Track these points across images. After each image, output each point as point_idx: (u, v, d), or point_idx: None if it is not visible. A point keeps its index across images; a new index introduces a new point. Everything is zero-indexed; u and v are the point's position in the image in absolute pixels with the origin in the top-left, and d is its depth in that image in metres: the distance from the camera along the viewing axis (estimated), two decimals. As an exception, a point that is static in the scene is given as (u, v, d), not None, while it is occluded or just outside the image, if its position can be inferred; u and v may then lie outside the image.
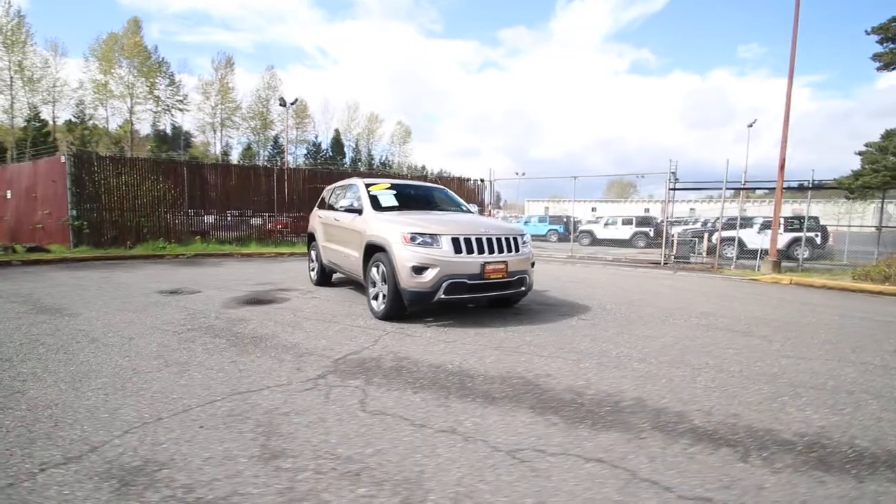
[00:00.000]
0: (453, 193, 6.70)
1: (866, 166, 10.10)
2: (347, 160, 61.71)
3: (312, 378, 3.08)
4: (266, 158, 50.60)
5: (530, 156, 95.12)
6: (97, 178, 11.59)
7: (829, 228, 16.83)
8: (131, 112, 43.87)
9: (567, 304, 5.97)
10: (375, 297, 4.93)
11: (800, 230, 14.90)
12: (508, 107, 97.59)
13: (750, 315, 5.56)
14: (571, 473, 1.98)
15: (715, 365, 3.52)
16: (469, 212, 6.20)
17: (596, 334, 4.38)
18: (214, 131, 49.31)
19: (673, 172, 13.58)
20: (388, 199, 5.71)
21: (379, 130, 65.66)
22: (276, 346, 3.80)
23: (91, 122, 39.74)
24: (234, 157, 49.64)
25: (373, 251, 5.00)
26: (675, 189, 13.91)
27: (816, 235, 16.00)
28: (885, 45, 9.37)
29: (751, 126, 33.38)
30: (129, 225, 12.17)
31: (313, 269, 7.32)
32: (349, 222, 5.68)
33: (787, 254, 14.86)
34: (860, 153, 11.04)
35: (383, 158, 65.17)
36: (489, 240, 4.64)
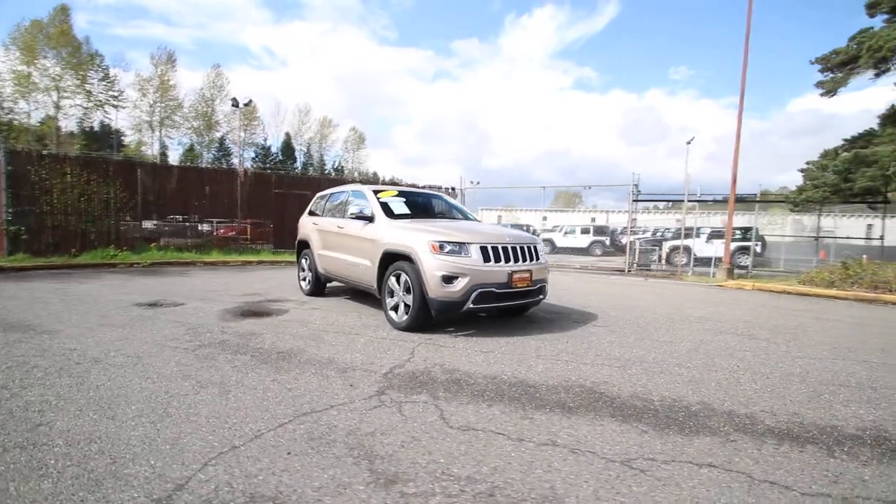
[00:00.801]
0: (454, 200, 6.66)
1: (808, 182, 11.22)
2: (299, 165, 59.81)
3: (373, 395, 2.92)
4: (210, 161, 47.82)
5: (483, 165, 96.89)
6: (38, 178, 10.39)
7: (766, 238, 18.43)
8: (57, 107, 39.85)
9: (571, 311, 6.10)
10: (394, 308, 4.77)
11: (743, 240, 16.27)
12: (461, 117, 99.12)
13: (740, 319, 5.97)
14: (695, 480, 2.01)
15: (745, 367, 3.73)
16: (475, 219, 6.20)
17: (620, 341, 4.51)
18: (152, 130, 45.89)
19: (636, 185, 14.40)
20: (399, 206, 5.58)
21: (332, 135, 64.21)
22: (312, 362, 3.57)
23: (9, 116, 35.55)
24: (174, 159, 46.48)
25: (391, 260, 4.84)
26: (637, 200, 14.74)
27: (756, 244, 17.57)
28: (825, 73, 10.54)
29: (689, 143, 36.06)
30: (73, 230, 11.00)
31: (305, 279, 6.98)
32: (357, 230, 5.48)
33: (732, 261, 16.14)
34: (802, 171, 12.29)
35: (336, 164, 63.81)
36: (514, 248, 4.65)
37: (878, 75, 10.41)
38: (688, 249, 17.78)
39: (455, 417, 2.60)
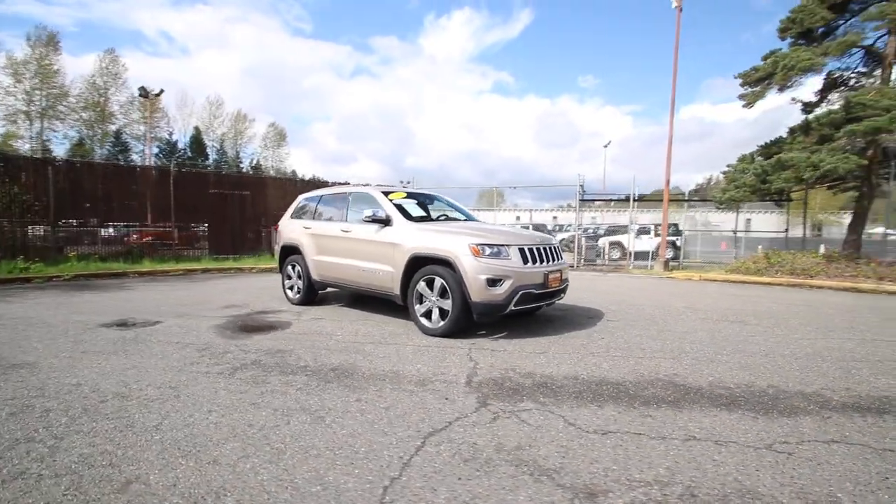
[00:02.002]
0: (452, 200, 6.58)
1: (730, 184, 12.74)
2: (211, 162, 55.03)
3: (478, 406, 2.78)
4: (106, 157, 42.15)
5: (406, 164, 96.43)
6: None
7: (685, 233, 20.55)
8: None
9: (572, 307, 6.32)
10: (425, 314, 4.60)
11: (669, 235, 18.04)
12: (383, 115, 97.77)
13: (717, 307, 6.61)
14: (836, 456, 2.19)
15: (770, 351, 4.14)
16: (476, 220, 6.17)
17: (644, 334, 4.76)
18: (31, 121, 39.30)
19: (581, 185, 15.31)
20: (413, 208, 5.37)
21: (249, 131, 60.00)
22: (379, 377, 3.31)
23: None
24: (60, 152, 40.28)
25: (419, 264, 4.66)
26: (583, 200, 15.68)
27: (677, 239, 19.58)
28: (745, 87, 12.05)
29: (606, 146, 39.31)
30: (-37, 240, 9.11)
31: (293, 287, 6.45)
32: (370, 234, 5.18)
33: (651, 255, 17.79)
34: (724, 173, 13.91)
35: (254, 161, 59.70)
36: (543, 249, 4.71)
37: (781, 90, 12.14)
38: (621, 245, 19.39)
39: (581, 422, 2.57)
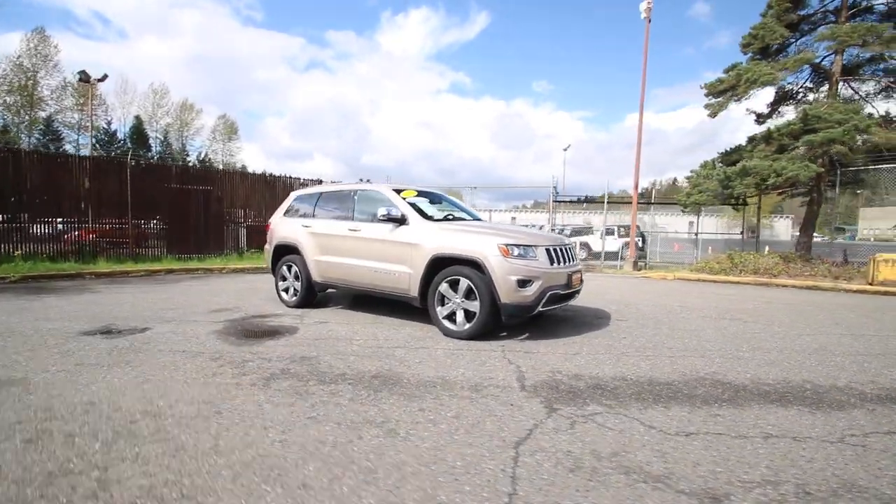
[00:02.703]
0: (456, 200, 6.47)
1: (694, 188, 13.45)
2: (154, 154, 51.50)
3: (548, 412, 2.71)
4: (35, 146, 38.32)
5: (363, 162, 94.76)
6: None
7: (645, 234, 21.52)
8: None
9: (575, 307, 6.39)
10: (449, 317, 4.47)
11: (627, 237, 18.83)
12: (339, 111, 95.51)
13: (709, 305, 6.92)
14: (910, 449, 2.31)
15: (784, 347, 4.36)
16: (481, 219, 6.10)
17: (660, 333, 4.88)
18: (-59, 104, 35.02)
19: (554, 187, 15.66)
20: (428, 207, 5.23)
21: (196, 122, 56.75)
22: (427, 384, 3.16)
23: None
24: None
25: (442, 265, 4.52)
26: (557, 201, 16.04)
27: (639, 240, 20.48)
28: (709, 98, 12.76)
29: (566, 150, 40.45)
30: None
31: (288, 289, 6.09)
32: (384, 234, 4.97)
33: (619, 255, 18.52)
34: (688, 178, 14.69)
35: (202, 155, 56.45)
36: (563, 249, 4.72)
37: (739, 100, 12.98)
38: (588, 246, 20.03)
39: (658, 424, 2.56)
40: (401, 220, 4.88)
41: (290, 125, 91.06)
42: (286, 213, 6.36)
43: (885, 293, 7.96)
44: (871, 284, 8.43)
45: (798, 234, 14.10)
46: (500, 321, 4.35)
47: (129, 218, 11.40)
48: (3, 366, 3.41)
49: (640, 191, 15.69)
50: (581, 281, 4.83)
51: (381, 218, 4.88)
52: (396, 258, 4.86)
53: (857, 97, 12.48)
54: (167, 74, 76.53)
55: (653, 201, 15.74)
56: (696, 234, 14.81)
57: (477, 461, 2.12)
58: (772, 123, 11.67)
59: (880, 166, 11.16)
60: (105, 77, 23.08)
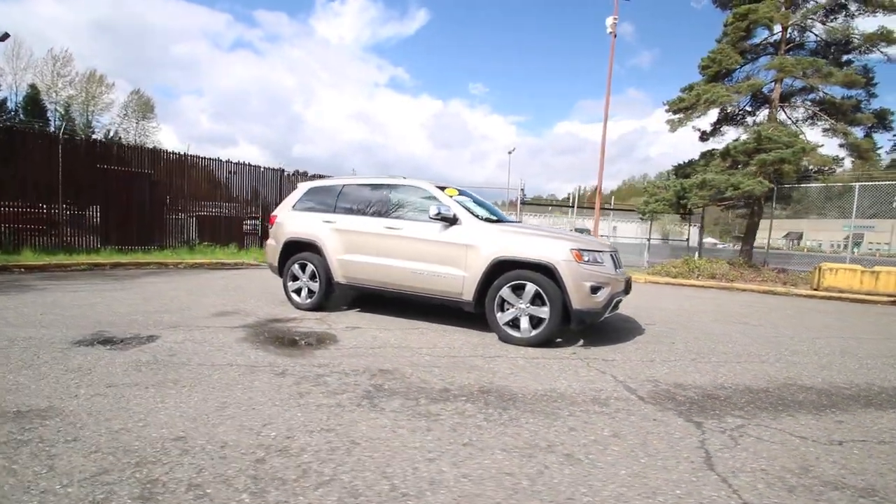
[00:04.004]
0: (484, 200, 6.24)
1: (651, 197, 14.38)
2: (53, 128, 44.94)
3: (696, 426, 2.62)
4: None
5: (294, 152, 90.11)
6: None
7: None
8: None
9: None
10: (511, 323, 4.27)
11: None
12: (269, 96, 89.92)
13: (706, 309, 7.35)
14: None
15: (819, 350, 4.66)
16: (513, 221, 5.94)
17: (699, 338, 5.02)
18: None
19: (522, 189, 15.95)
20: (475, 207, 4.95)
21: (106, 97, 50.49)
22: (545, 398, 2.94)
23: None
24: None
25: (504, 269, 4.30)
26: (524, 203, 16.33)
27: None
28: (670, 114, 13.69)
29: (511, 153, 41.46)
30: None
31: (300, 290, 5.48)
32: (433, 233, 4.62)
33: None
34: (645, 188, 15.65)
35: (111, 133, 50.23)
36: (617, 255, 4.72)
37: (698, 117, 14.08)
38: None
39: (803, 433, 2.57)
40: (453, 220, 4.58)
41: (212, 107, 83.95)
42: (296, 206, 5.73)
43: (832, 298, 9.04)
44: (816, 290, 9.53)
45: (701, 239, 15.61)
46: (564, 328, 4.23)
47: (60, 203, 9.71)
48: (7, 390, 2.64)
49: (566, 195, 16.56)
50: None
51: (434, 217, 4.53)
52: (447, 260, 4.54)
53: (788, 122, 14.07)
54: (67, 41, 67.18)
55: (612, 207, 16.69)
56: (649, 240, 15.85)
57: (692, 487, 1.96)
58: (730, 141, 12.75)
59: (811, 185, 12.69)
60: (6, 36, 19.53)
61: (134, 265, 9.14)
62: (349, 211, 5.29)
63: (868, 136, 12.49)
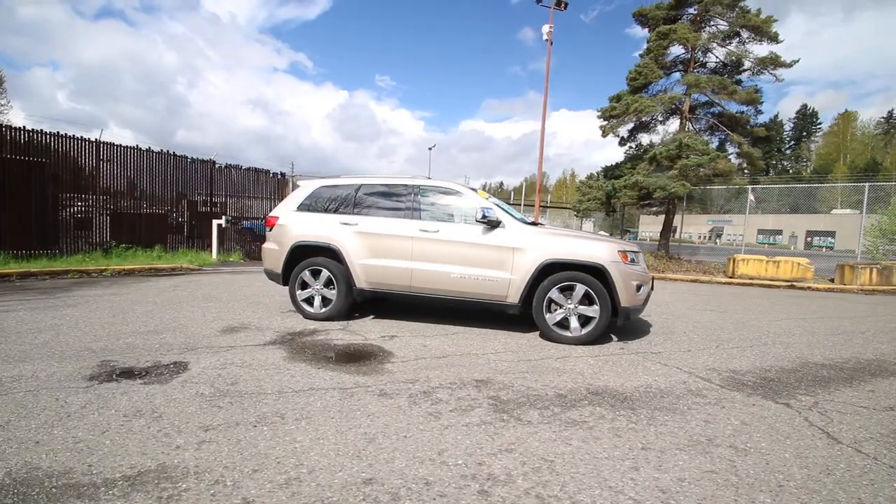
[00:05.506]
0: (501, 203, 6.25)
1: (583, 196, 15.60)
2: None
3: (795, 407, 2.98)
4: None
5: (178, 139, 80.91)
6: None
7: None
8: None
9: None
10: (562, 323, 4.39)
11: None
12: (145, 75, 79.43)
13: (673, 300, 8.19)
14: None
15: (807, 330, 5.50)
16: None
17: (697, 326, 5.62)
18: None
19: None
20: (509, 209, 4.95)
21: (-70, 64, 40.43)
22: (651, 395, 3.10)
23: None
24: None
25: (551, 271, 4.39)
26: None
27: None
28: (601, 120, 14.92)
29: (431, 149, 41.84)
30: None
31: (310, 299, 5.02)
32: (476, 236, 4.54)
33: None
34: (578, 188, 16.86)
35: (-62, 111, 40.41)
36: (643, 255, 5.09)
37: (626, 124, 15.52)
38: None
39: (877, 406, 3.06)
40: (496, 223, 4.55)
41: (73, 83, 71.76)
42: (301, 207, 5.22)
43: (746, 284, 10.69)
44: (732, 278, 11.18)
45: (622, 234, 17.52)
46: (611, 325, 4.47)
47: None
48: (79, 452, 2.08)
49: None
50: (646, 282, 5.27)
51: (480, 220, 4.47)
52: (493, 263, 4.51)
53: (691, 131, 16.19)
54: None
55: (549, 205, 17.71)
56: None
57: (842, 461, 2.24)
58: (658, 147, 14.30)
59: (714, 187, 14.76)
60: None
61: (48, 274, 7.55)
62: (372, 213, 4.97)
63: (755, 146, 14.89)
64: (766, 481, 2.04)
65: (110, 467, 1.96)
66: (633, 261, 4.45)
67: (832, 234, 41.65)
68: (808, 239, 44.09)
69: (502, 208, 4.83)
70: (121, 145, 10.56)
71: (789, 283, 10.53)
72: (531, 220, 5.33)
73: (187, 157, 11.83)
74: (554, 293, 4.37)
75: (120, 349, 3.66)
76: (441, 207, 4.85)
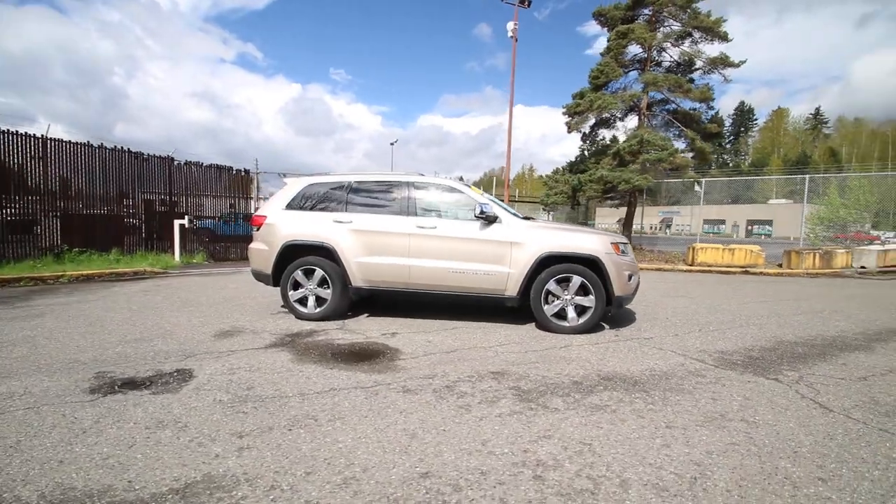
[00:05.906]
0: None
1: (550, 190, 16.03)
2: None
3: (784, 381, 3.25)
4: None
5: (117, 133, 75.89)
6: None
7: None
8: None
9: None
10: (559, 314, 4.54)
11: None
12: (77, 66, 73.78)
13: (648, 287, 8.59)
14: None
15: (775, 313, 5.94)
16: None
17: (675, 311, 5.97)
18: None
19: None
20: (505, 206, 5.03)
21: None
22: (663, 377, 3.29)
23: None
24: None
25: (548, 263, 4.53)
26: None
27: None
28: (565, 116, 15.34)
29: (393, 144, 41.39)
30: None
31: (304, 299, 4.92)
32: (474, 232, 4.60)
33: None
34: (545, 182, 17.27)
35: None
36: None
37: (590, 119, 16.04)
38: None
39: (849, 375, 3.39)
40: (493, 219, 4.63)
41: None
42: (290, 205, 5.08)
43: (705, 271, 11.39)
44: (692, 265, 11.87)
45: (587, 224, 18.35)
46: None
47: None
48: (111, 468, 1.98)
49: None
50: (630, 272, 5.53)
51: (478, 216, 4.54)
52: (491, 258, 4.59)
53: (648, 127, 16.97)
54: None
55: (516, 199, 18.11)
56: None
57: (840, 426, 2.49)
58: (623, 142, 14.87)
59: (670, 181, 15.57)
60: None
61: (51, 279, 6.97)
62: (365, 210, 4.91)
63: (706, 141, 15.83)
64: (782, 449, 2.24)
65: (153, 481, 1.88)
66: (623, 252, 4.67)
67: (769, 222, 44.96)
68: (749, 227, 47.39)
69: (498, 204, 4.92)
70: (70, 141, 9.79)
71: (744, 269, 11.32)
72: (523, 215, 5.46)
73: (143, 154, 11.14)
74: (552, 285, 4.51)
75: (112, 359, 3.46)
76: (436, 204, 4.88)
